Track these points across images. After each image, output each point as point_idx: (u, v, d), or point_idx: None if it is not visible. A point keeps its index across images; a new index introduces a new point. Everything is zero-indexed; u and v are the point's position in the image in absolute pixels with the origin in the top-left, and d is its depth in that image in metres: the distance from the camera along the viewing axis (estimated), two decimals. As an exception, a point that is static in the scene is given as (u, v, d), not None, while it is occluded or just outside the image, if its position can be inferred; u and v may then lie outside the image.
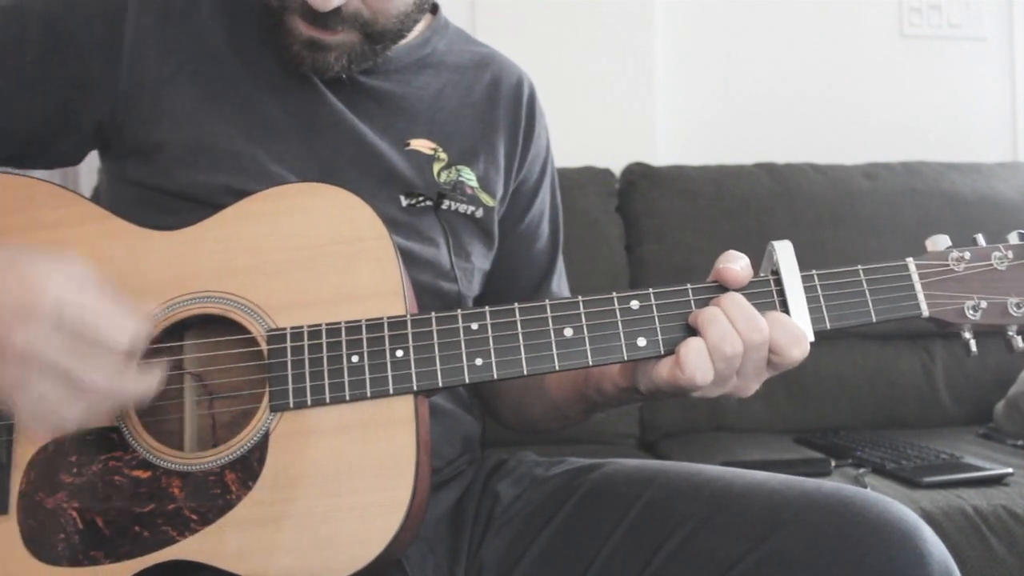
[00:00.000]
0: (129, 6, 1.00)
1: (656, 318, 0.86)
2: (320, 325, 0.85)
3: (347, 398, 0.84)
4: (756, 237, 2.13)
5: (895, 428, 2.11)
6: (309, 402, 0.84)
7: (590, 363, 0.85)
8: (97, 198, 1.24)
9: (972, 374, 2.18)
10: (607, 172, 2.30)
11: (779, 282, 0.87)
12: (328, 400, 0.84)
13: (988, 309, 0.87)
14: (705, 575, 0.87)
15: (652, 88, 2.51)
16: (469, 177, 1.09)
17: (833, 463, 1.68)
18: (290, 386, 0.84)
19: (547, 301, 0.87)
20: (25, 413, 0.76)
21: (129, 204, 1.02)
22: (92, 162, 2.22)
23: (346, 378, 0.84)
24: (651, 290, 0.87)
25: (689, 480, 0.95)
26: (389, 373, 0.84)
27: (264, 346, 0.86)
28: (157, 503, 0.83)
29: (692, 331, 0.85)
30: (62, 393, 0.74)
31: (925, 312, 0.88)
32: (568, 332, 0.86)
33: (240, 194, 0.92)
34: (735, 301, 0.84)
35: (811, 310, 0.86)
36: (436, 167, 1.07)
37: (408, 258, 1.00)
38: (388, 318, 0.85)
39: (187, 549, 0.81)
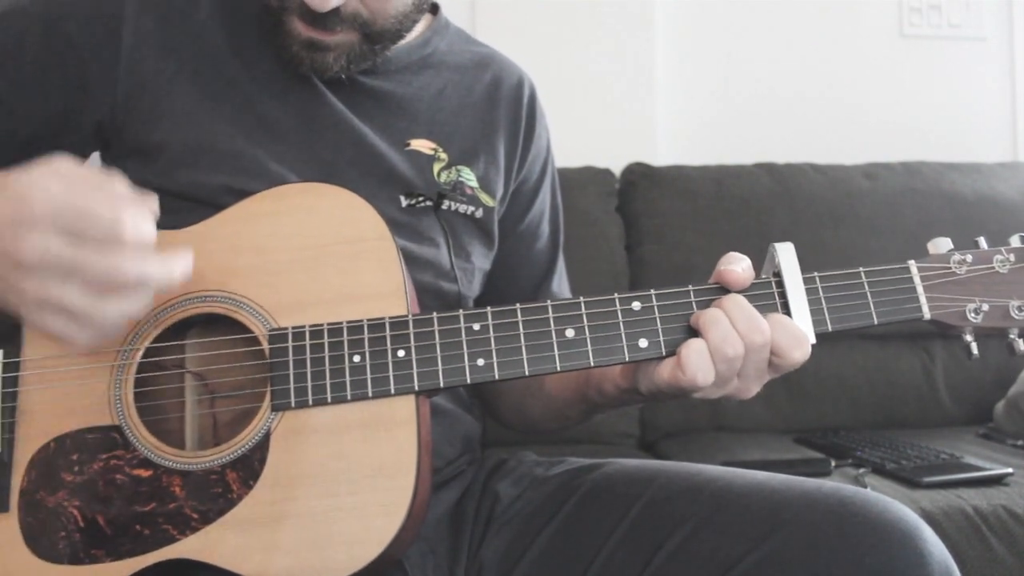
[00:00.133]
0: (127, 7, 1.00)
1: (658, 319, 0.86)
2: (322, 325, 0.85)
3: (348, 398, 0.84)
4: (756, 237, 2.13)
5: (895, 428, 2.11)
6: (311, 402, 0.84)
7: (592, 364, 0.86)
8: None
9: (972, 374, 2.18)
10: (607, 172, 2.30)
11: (781, 284, 0.87)
12: (330, 400, 0.84)
13: (990, 312, 0.88)
14: (705, 575, 0.87)
15: (652, 88, 2.51)
16: (469, 177, 1.09)
17: (833, 463, 1.68)
18: (291, 385, 0.84)
19: (549, 302, 0.87)
20: (58, 328, 0.76)
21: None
22: (93, 163, 2.22)
23: (348, 378, 0.84)
24: (652, 291, 0.87)
25: (689, 480, 0.95)
26: (391, 373, 0.84)
27: (266, 345, 0.86)
28: (158, 502, 0.83)
29: (694, 332, 0.85)
30: (87, 295, 0.74)
31: (927, 315, 0.88)
32: (570, 333, 0.86)
33: (240, 194, 0.92)
34: (737, 303, 0.84)
35: (812, 312, 0.86)
36: (436, 167, 1.07)
37: (408, 258, 1.00)
38: (390, 318, 0.86)
39: (188, 548, 0.82)
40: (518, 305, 0.87)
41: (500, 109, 1.14)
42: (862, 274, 0.88)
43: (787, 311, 0.86)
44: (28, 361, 0.87)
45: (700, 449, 1.92)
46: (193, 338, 0.90)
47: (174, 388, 0.89)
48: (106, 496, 0.83)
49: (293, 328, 0.86)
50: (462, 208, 1.07)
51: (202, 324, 0.90)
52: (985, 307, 0.88)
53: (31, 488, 0.84)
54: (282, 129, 1.02)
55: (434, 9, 1.16)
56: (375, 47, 1.01)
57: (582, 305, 0.87)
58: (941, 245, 0.90)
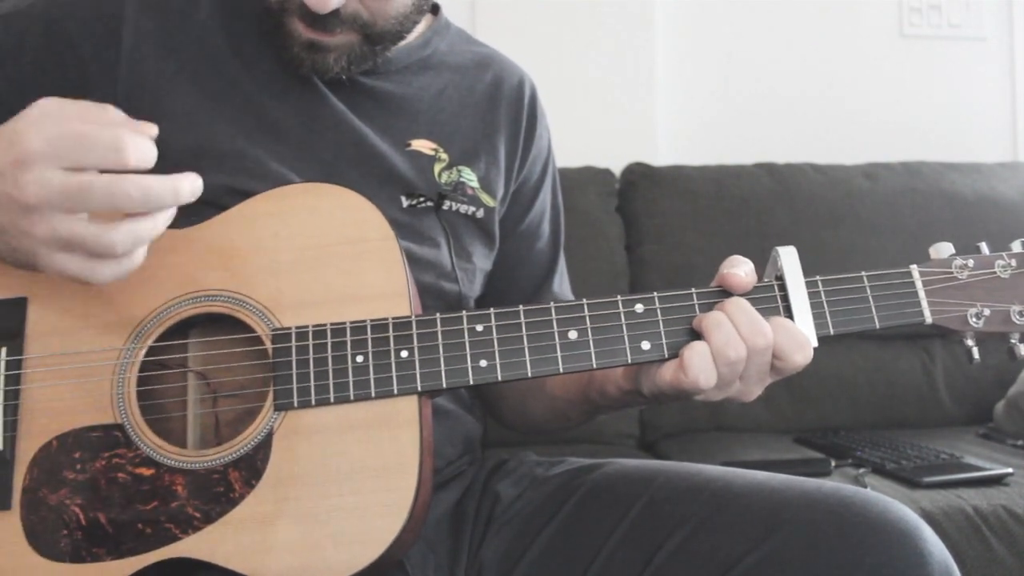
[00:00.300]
0: (128, 8, 1.00)
1: (660, 322, 0.86)
2: (325, 325, 0.86)
3: (351, 398, 0.84)
4: (756, 237, 2.14)
5: (895, 428, 2.11)
6: (313, 401, 0.84)
7: (594, 366, 0.86)
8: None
9: (972, 374, 2.18)
10: (607, 172, 2.30)
11: (783, 288, 0.87)
12: (332, 400, 0.84)
13: (991, 317, 0.88)
14: (705, 575, 0.87)
15: (652, 88, 2.51)
16: (470, 177, 1.09)
17: (833, 463, 1.68)
18: (294, 385, 0.84)
19: (552, 304, 0.87)
20: (74, 267, 0.76)
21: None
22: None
23: (350, 378, 0.84)
24: (655, 294, 0.87)
25: (689, 480, 0.95)
26: (393, 373, 0.84)
27: (269, 345, 0.86)
28: (160, 501, 0.83)
29: (696, 335, 0.85)
30: (96, 224, 0.74)
31: (928, 319, 0.88)
32: (572, 335, 0.86)
33: (242, 194, 0.92)
34: (739, 306, 0.84)
35: (815, 316, 0.87)
36: (437, 168, 1.07)
37: (409, 259, 0.99)
38: (393, 318, 0.86)
39: (189, 547, 0.82)
40: (521, 307, 0.87)
41: (501, 109, 1.14)
42: (864, 278, 0.88)
43: (789, 314, 0.86)
44: (31, 359, 0.87)
45: (700, 449, 1.92)
46: (196, 337, 0.90)
47: (176, 387, 0.89)
48: (108, 494, 0.83)
49: (296, 328, 0.86)
50: (463, 208, 1.07)
51: (205, 323, 0.90)
52: (986, 312, 0.88)
53: (33, 486, 0.84)
54: (283, 129, 1.02)
55: (435, 10, 1.16)
56: (375, 48, 1.01)
57: (585, 307, 0.87)
58: (943, 250, 0.91)
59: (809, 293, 0.87)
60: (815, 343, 0.86)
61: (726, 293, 0.87)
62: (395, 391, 0.84)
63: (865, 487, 1.33)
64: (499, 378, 0.85)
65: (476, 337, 0.86)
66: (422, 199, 1.05)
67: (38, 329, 0.87)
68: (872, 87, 2.61)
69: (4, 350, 0.87)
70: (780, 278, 0.88)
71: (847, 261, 2.07)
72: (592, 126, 2.43)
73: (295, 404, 0.84)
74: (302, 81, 1.03)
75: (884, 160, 2.35)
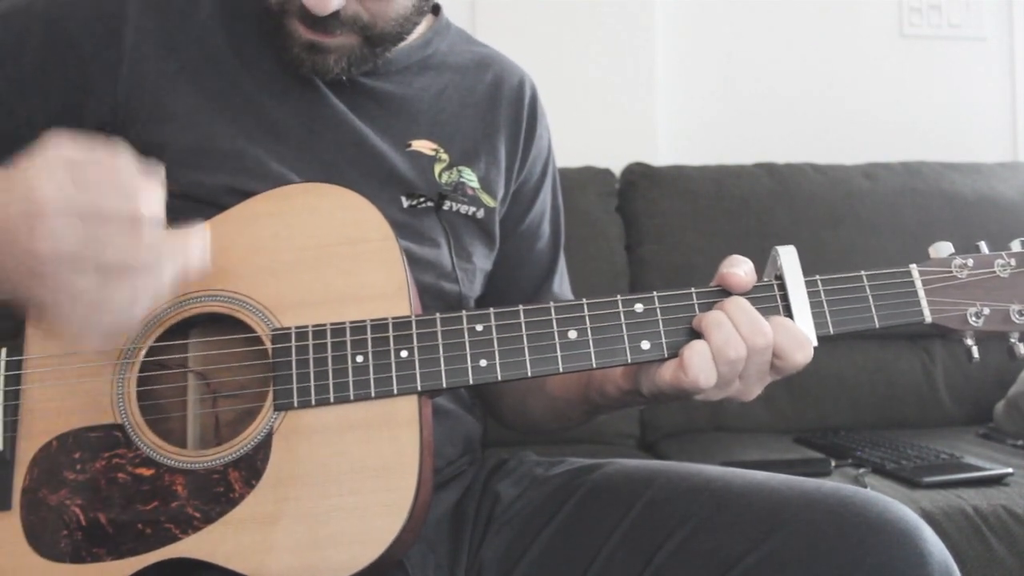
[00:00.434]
0: (129, 7, 1.00)
1: (660, 321, 0.86)
2: (325, 325, 0.86)
3: (351, 398, 0.84)
4: (756, 237, 2.13)
5: (895, 428, 2.11)
6: (313, 401, 0.84)
7: (594, 365, 0.86)
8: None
9: (972, 374, 2.18)
10: (607, 172, 2.30)
11: (783, 287, 0.87)
12: (332, 400, 0.84)
13: (990, 316, 0.88)
14: (705, 575, 0.87)
15: (652, 88, 2.51)
16: (470, 178, 1.09)
17: (833, 463, 1.68)
18: (294, 385, 0.84)
19: (551, 303, 0.87)
20: (75, 320, 0.74)
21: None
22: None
23: (350, 378, 0.84)
24: (655, 293, 0.87)
25: (689, 480, 0.95)
26: (393, 373, 0.84)
27: (269, 345, 0.86)
28: (160, 501, 0.83)
29: (696, 335, 0.85)
30: (100, 281, 0.72)
31: (928, 318, 0.88)
32: (572, 334, 0.86)
33: (243, 194, 0.92)
34: (739, 305, 0.84)
35: (814, 315, 0.87)
36: (437, 168, 1.07)
37: (409, 259, 0.99)
38: (393, 318, 0.86)
39: (189, 547, 0.82)
40: (521, 307, 0.87)
41: (501, 109, 1.14)
42: (863, 277, 0.88)
43: (789, 314, 0.86)
44: (31, 359, 0.87)
45: (700, 449, 1.92)
46: (196, 337, 0.90)
47: (176, 387, 0.89)
48: (108, 495, 0.83)
49: (296, 328, 0.86)
50: (463, 208, 1.07)
51: (205, 323, 0.90)
52: (986, 311, 0.88)
53: (33, 486, 0.84)
54: (283, 130, 1.02)
55: (435, 10, 1.16)
56: (376, 49, 1.01)
57: (585, 307, 0.87)
58: (942, 249, 0.91)
59: (809, 292, 0.87)
60: (815, 342, 0.86)
61: (726, 293, 0.87)
62: (395, 391, 0.84)
63: (865, 487, 1.33)
64: (499, 378, 0.85)
65: (476, 337, 0.86)
66: (422, 199, 1.05)
67: (38, 329, 0.87)
68: (872, 87, 2.61)
69: (4, 350, 0.88)
70: (780, 277, 0.88)
71: (847, 261, 2.06)
72: (592, 126, 2.43)
73: (295, 404, 0.84)
74: (303, 81, 1.03)
75: (884, 160, 2.35)
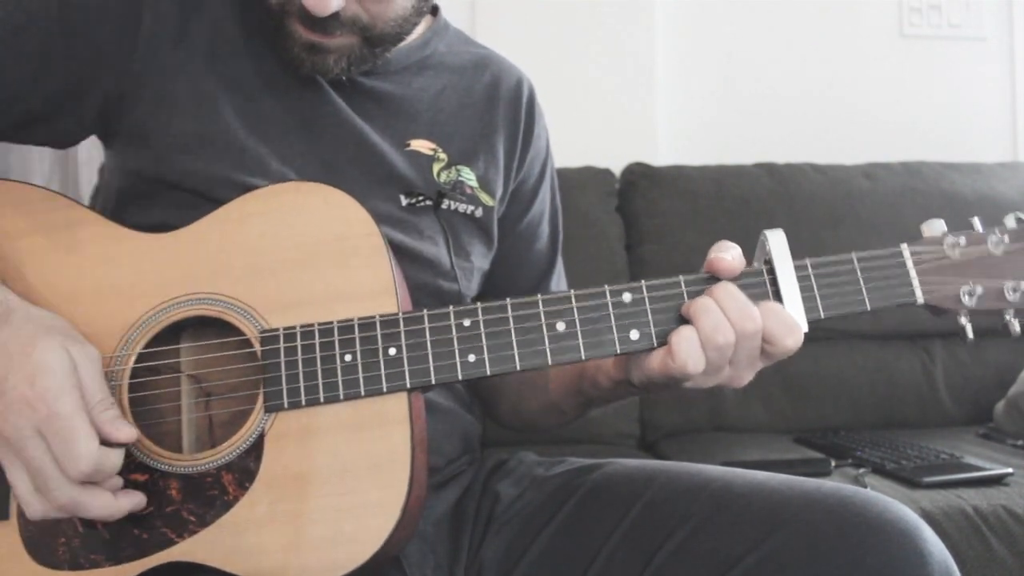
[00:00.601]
0: None
1: (648, 310, 0.86)
2: (313, 325, 0.85)
3: (341, 397, 0.84)
4: (756, 237, 2.11)
5: (895, 428, 2.11)
6: (303, 402, 0.84)
7: (583, 357, 0.85)
8: (96, 199, 1.24)
9: (972, 374, 2.19)
10: (607, 172, 2.30)
11: (772, 271, 0.86)
12: (322, 399, 0.84)
13: (984, 294, 0.87)
14: (705, 575, 0.87)
15: (652, 88, 2.51)
16: (469, 177, 1.09)
17: (833, 463, 1.68)
18: (284, 386, 0.84)
19: (539, 296, 0.86)
20: (10, 482, 0.80)
21: (129, 198, 1.02)
22: (93, 163, 2.22)
23: (340, 377, 0.84)
24: (643, 282, 0.86)
25: (689, 480, 0.95)
26: (382, 371, 0.84)
27: (258, 347, 0.86)
28: (155, 505, 0.83)
29: (685, 322, 0.84)
30: (30, 487, 0.79)
31: (920, 299, 0.87)
32: (560, 327, 0.85)
33: (240, 188, 0.92)
34: (727, 291, 0.84)
35: (804, 299, 0.85)
36: (436, 167, 1.07)
37: (408, 257, 1.00)
38: (380, 316, 0.85)
39: (186, 550, 0.82)
40: (508, 300, 0.86)
41: (499, 109, 1.14)
42: (854, 259, 0.87)
43: (779, 298, 0.86)
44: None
45: (700, 449, 1.92)
46: (187, 340, 0.90)
47: (169, 391, 0.89)
48: (104, 501, 0.83)
49: (284, 329, 0.86)
50: (462, 207, 1.07)
51: (195, 326, 0.89)
52: (979, 289, 0.87)
53: None
54: (284, 126, 1.02)
55: (434, 10, 1.16)
56: (375, 50, 1.01)
57: (572, 298, 0.86)
58: (935, 227, 0.89)
59: (798, 276, 0.86)
60: (805, 327, 0.85)
61: (714, 279, 0.86)
62: (384, 389, 0.84)
63: (865, 487, 1.32)
64: (488, 372, 0.84)
65: (464, 332, 0.85)
66: (421, 198, 1.05)
67: None
68: (872, 87, 2.61)
69: None
70: (769, 262, 0.87)
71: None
72: (592, 126, 2.43)
73: (285, 405, 0.84)
74: (305, 79, 1.03)
75: (884, 160, 2.35)
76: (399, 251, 0.90)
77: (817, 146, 2.47)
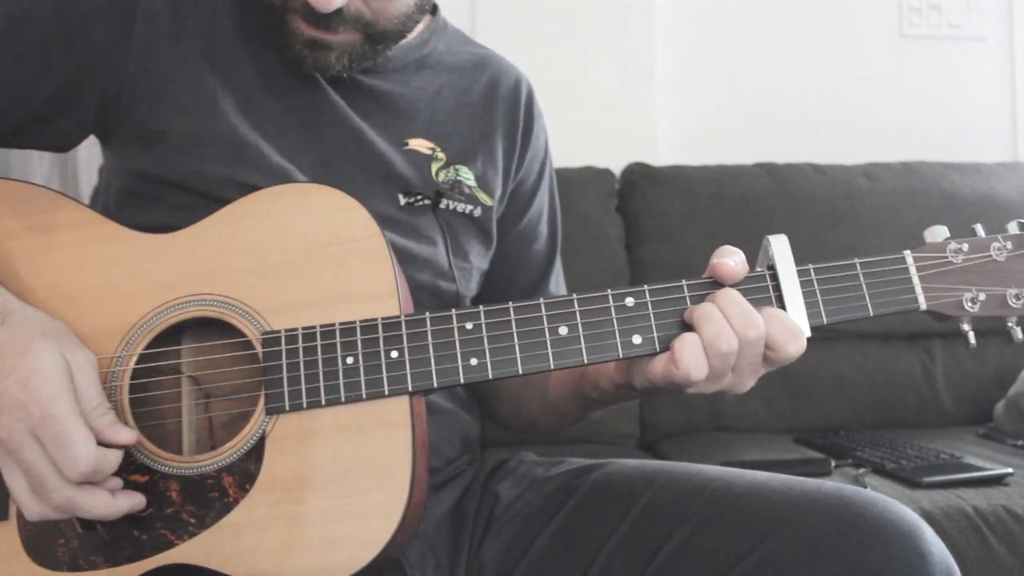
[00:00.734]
0: None
1: (651, 315, 0.86)
2: (314, 327, 0.85)
3: (342, 399, 0.83)
4: (756, 237, 2.10)
5: (895, 428, 2.11)
6: (304, 404, 0.84)
7: (585, 361, 0.85)
8: (96, 199, 1.23)
9: (972, 374, 2.18)
10: (607, 172, 2.30)
11: (775, 277, 0.86)
12: (323, 402, 0.84)
13: (987, 301, 0.87)
14: (706, 575, 0.87)
15: (652, 88, 2.51)
16: (467, 177, 1.09)
17: (833, 463, 1.68)
18: (285, 388, 0.84)
19: (541, 300, 0.86)
20: (7, 485, 0.81)
21: (129, 198, 1.02)
22: (92, 163, 2.22)
23: (341, 380, 0.84)
24: (646, 287, 0.86)
25: (689, 480, 0.95)
26: (384, 374, 0.84)
27: (259, 349, 0.85)
28: (155, 507, 0.83)
29: (687, 328, 0.84)
30: (27, 489, 0.79)
31: (923, 305, 0.87)
32: (563, 330, 0.85)
33: (243, 187, 0.92)
34: (731, 297, 0.84)
35: (807, 305, 0.85)
36: (434, 167, 1.07)
37: (406, 257, 1.00)
38: (382, 319, 0.85)
39: (185, 553, 0.82)
40: (511, 304, 0.86)
41: (498, 109, 1.14)
42: (857, 265, 0.87)
43: (781, 304, 0.85)
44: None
45: (700, 449, 1.92)
46: (188, 341, 0.90)
47: (170, 393, 0.89)
48: (103, 502, 0.83)
49: (286, 331, 0.85)
50: (460, 207, 1.07)
51: (196, 327, 0.89)
52: (982, 296, 0.87)
53: None
54: (283, 124, 1.02)
55: (433, 10, 1.16)
56: (377, 47, 1.01)
57: (575, 302, 0.86)
58: (938, 233, 0.89)
59: (801, 282, 0.86)
60: (808, 333, 0.85)
61: (717, 284, 0.86)
62: (386, 392, 0.84)
63: (865, 487, 1.32)
64: (490, 376, 0.84)
65: (466, 335, 0.85)
66: (419, 197, 1.05)
67: None
68: (872, 87, 2.61)
69: None
70: (772, 267, 0.87)
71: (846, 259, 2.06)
72: (592, 126, 2.43)
73: (286, 407, 0.84)
74: (304, 77, 1.03)
75: (884, 160, 2.35)
76: (397, 251, 0.90)
77: (817, 146, 2.47)
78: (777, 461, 1.71)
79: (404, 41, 1.07)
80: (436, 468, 1.04)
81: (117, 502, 0.80)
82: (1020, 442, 1.86)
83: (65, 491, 0.78)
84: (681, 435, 2.12)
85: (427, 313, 0.86)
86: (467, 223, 1.09)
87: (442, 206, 1.06)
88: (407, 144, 1.06)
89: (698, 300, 0.85)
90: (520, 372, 0.85)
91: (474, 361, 0.85)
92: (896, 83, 2.62)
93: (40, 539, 0.83)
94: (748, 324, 0.82)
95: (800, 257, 0.87)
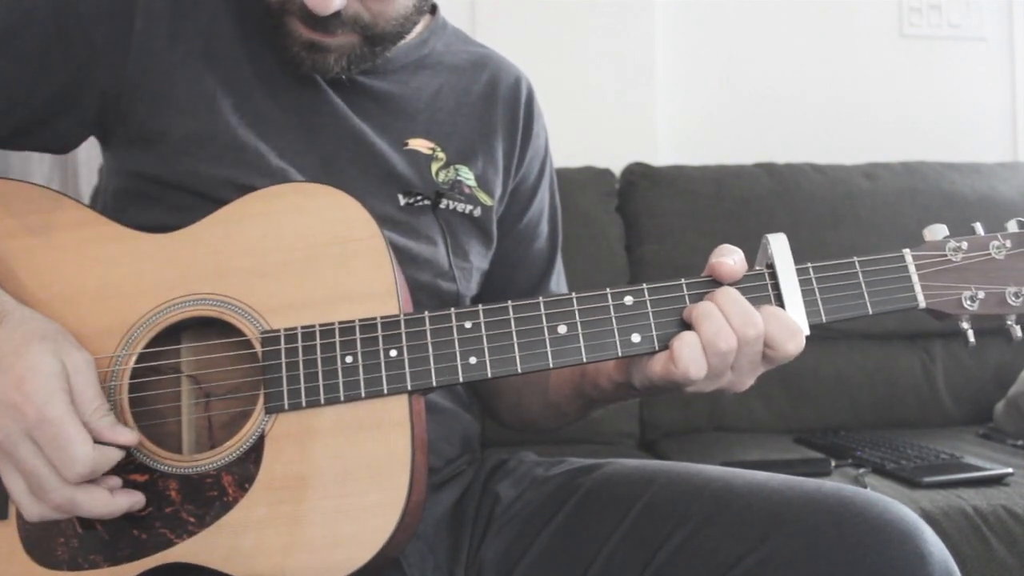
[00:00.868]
0: None
1: (650, 314, 0.86)
2: (314, 326, 0.85)
3: (342, 399, 0.83)
4: (756, 237, 2.10)
5: (895, 428, 2.11)
6: (304, 403, 0.84)
7: (584, 360, 0.85)
8: (96, 199, 1.23)
9: (972, 374, 2.19)
10: (607, 172, 2.30)
11: (774, 275, 0.86)
12: (323, 401, 0.84)
13: (986, 299, 0.87)
14: (706, 575, 0.87)
15: (652, 88, 2.51)
16: (467, 176, 1.09)
17: (833, 463, 1.68)
18: (284, 388, 0.84)
19: (540, 298, 0.86)
20: (5, 486, 0.80)
21: (129, 198, 1.02)
22: (92, 163, 2.22)
23: (340, 379, 0.84)
24: (645, 286, 0.86)
25: (689, 480, 0.95)
26: (383, 373, 0.84)
27: (258, 348, 0.85)
28: (155, 506, 0.83)
29: (686, 326, 0.84)
30: (25, 490, 0.79)
31: (922, 303, 0.87)
32: (562, 329, 0.85)
33: (242, 188, 0.92)
34: (729, 296, 0.84)
35: (806, 303, 0.86)
36: (434, 167, 1.07)
37: (406, 257, 1.00)
38: (381, 318, 0.85)
39: (185, 552, 0.82)
40: (510, 302, 0.86)
41: (498, 109, 1.14)
42: (856, 264, 0.87)
43: (780, 303, 0.85)
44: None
45: (700, 449, 1.92)
46: (188, 341, 0.90)
47: (169, 392, 0.89)
48: (103, 501, 0.83)
49: (285, 330, 0.85)
50: (460, 207, 1.07)
51: (196, 327, 0.89)
52: (981, 294, 0.87)
53: None
54: (283, 125, 1.02)
55: (432, 9, 1.16)
56: (375, 49, 1.01)
57: (574, 301, 0.86)
58: (937, 232, 0.89)
59: (800, 280, 0.86)
60: (807, 331, 0.85)
61: (716, 283, 0.86)
62: (385, 391, 0.83)
63: (865, 487, 1.33)
64: (489, 375, 0.84)
65: (465, 334, 0.85)
66: (419, 197, 1.05)
67: None
68: (872, 87, 2.61)
69: None
70: (771, 266, 0.87)
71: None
72: (592, 126, 2.43)
73: (286, 407, 0.84)
74: (303, 78, 1.03)
75: (884, 160, 2.35)
76: (397, 251, 0.90)
77: (817, 146, 2.47)
78: (777, 461, 1.71)
79: (403, 41, 1.07)
80: (436, 468, 1.04)
81: (116, 501, 0.80)
82: (1020, 442, 1.86)
83: (64, 491, 0.78)
84: (681, 435, 2.12)
85: (426, 312, 0.86)
86: (467, 223, 1.09)
87: (442, 206, 1.06)
88: (407, 144, 1.06)
89: (697, 299, 0.85)
90: (519, 371, 0.85)
91: (473, 360, 0.85)
92: (896, 83, 2.62)
93: (40, 538, 0.83)
94: (747, 323, 0.82)
95: (800, 257, 0.87)
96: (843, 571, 0.81)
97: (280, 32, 0.98)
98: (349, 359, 0.84)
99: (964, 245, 0.88)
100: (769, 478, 0.92)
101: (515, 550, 0.99)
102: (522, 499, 1.04)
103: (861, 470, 1.64)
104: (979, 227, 0.89)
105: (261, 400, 0.84)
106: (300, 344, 0.85)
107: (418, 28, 1.11)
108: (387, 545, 0.80)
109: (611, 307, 0.86)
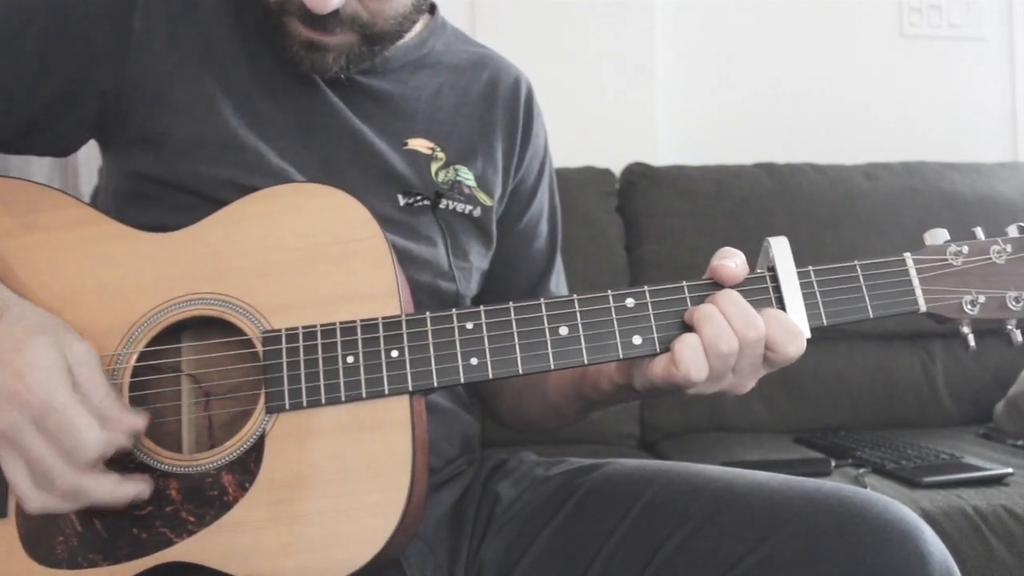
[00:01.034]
0: None
1: (652, 316, 0.86)
2: (315, 326, 0.85)
3: (343, 399, 0.83)
4: (756, 237, 2.09)
5: (895, 428, 2.11)
6: (305, 403, 0.84)
7: (585, 362, 0.85)
8: (96, 199, 1.23)
9: (972, 374, 2.18)
10: (607, 172, 2.30)
11: (775, 278, 0.86)
12: (324, 401, 0.84)
13: (986, 304, 0.87)
14: (705, 575, 0.87)
15: (652, 88, 2.51)
16: (467, 176, 1.09)
17: (833, 463, 1.68)
18: (285, 387, 0.84)
19: (542, 300, 0.86)
20: (7, 477, 0.79)
21: (129, 199, 1.02)
22: (92, 163, 2.22)
23: (341, 379, 0.84)
24: (646, 288, 0.86)
25: (689, 480, 0.95)
26: (384, 373, 0.84)
27: (259, 347, 0.85)
28: (155, 505, 0.83)
29: (688, 329, 0.85)
30: (28, 480, 0.78)
31: (923, 307, 0.87)
32: (563, 331, 0.85)
33: (243, 189, 0.92)
34: (731, 298, 0.84)
35: (807, 306, 0.86)
36: (434, 167, 1.07)
37: (406, 257, 1.00)
38: (383, 318, 0.85)
39: (184, 551, 0.81)
40: (511, 304, 0.86)
41: (497, 109, 1.14)
42: (857, 267, 0.87)
43: (782, 306, 0.86)
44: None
45: (700, 449, 1.92)
46: (189, 340, 0.90)
47: (170, 391, 0.89)
48: (103, 500, 0.83)
49: (286, 330, 0.85)
50: (460, 207, 1.07)
51: (197, 326, 0.89)
52: (982, 299, 0.87)
53: None
54: (282, 125, 1.02)
55: (432, 9, 1.16)
56: (374, 48, 1.01)
57: (575, 302, 0.86)
58: (938, 236, 0.89)
59: (801, 283, 0.86)
60: (808, 334, 0.85)
61: (718, 285, 0.86)
62: (386, 391, 0.83)
63: (865, 487, 1.33)
64: (490, 376, 0.84)
65: (466, 335, 0.85)
66: (419, 197, 1.05)
67: None
68: (872, 87, 2.61)
69: None
70: (772, 268, 0.87)
71: (847, 261, 2.06)
72: (592, 126, 2.43)
73: (287, 406, 0.84)
74: (302, 78, 1.03)
75: (884, 160, 2.35)
76: (397, 251, 0.90)
77: (817, 146, 2.47)
78: (777, 461, 1.71)
79: (402, 41, 1.07)
80: (436, 468, 1.04)
81: (123, 487, 0.80)
82: (1020, 442, 1.86)
83: (71, 477, 0.77)
84: (681, 435, 2.12)
85: (427, 313, 0.86)
86: (467, 223, 1.09)
87: (442, 206, 1.06)
88: (406, 144, 1.06)
89: (698, 301, 0.85)
90: (520, 372, 0.85)
91: (474, 361, 0.85)
92: (896, 83, 2.62)
93: (39, 536, 0.83)
94: (748, 325, 0.82)
95: (800, 257, 0.87)
96: (843, 571, 0.81)
97: (279, 32, 0.98)
98: (350, 359, 0.84)
99: (965, 249, 0.88)
100: (769, 478, 0.92)
101: (515, 550, 0.99)
102: (522, 499, 1.04)
103: (861, 470, 1.64)
104: (980, 231, 0.90)
105: (262, 400, 0.84)
106: (301, 344, 0.85)
107: (417, 28, 1.11)
108: (387, 545, 0.80)
109: (612, 309, 0.86)
